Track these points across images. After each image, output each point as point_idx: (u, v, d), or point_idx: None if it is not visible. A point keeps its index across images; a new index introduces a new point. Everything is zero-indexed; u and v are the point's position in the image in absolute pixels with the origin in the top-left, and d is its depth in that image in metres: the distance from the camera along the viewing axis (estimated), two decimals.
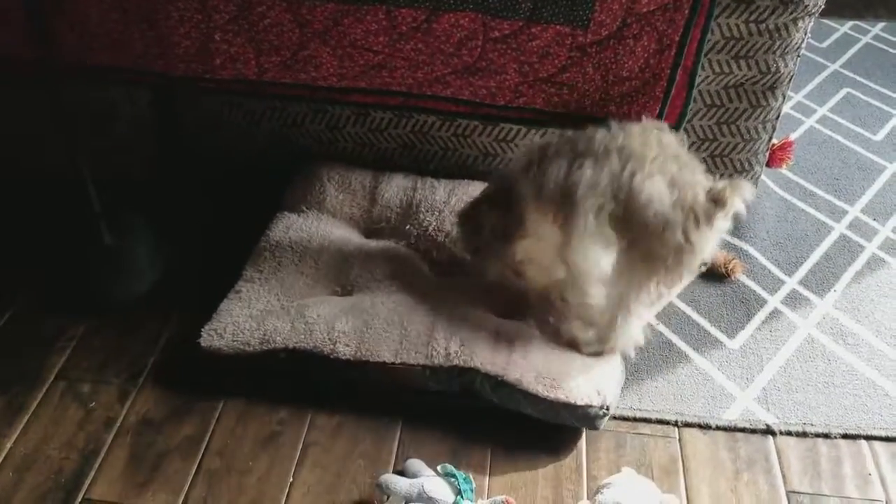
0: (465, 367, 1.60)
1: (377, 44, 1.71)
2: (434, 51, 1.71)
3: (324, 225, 1.94)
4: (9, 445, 1.59)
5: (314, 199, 1.99)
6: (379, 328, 1.66)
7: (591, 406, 1.55)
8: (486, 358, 1.61)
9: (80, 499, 1.51)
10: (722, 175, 2.01)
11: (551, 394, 1.56)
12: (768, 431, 1.65)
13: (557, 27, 1.66)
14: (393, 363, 1.62)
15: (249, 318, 1.70)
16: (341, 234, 1.93)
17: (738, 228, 2.10)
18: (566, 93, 1.74)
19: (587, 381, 1.58)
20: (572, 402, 1.55)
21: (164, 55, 1.79)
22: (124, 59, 1.81)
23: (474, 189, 2.02)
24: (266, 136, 2.09)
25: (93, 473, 1.55)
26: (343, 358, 1.63)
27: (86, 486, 1.53)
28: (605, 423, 1.59)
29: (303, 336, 1.65)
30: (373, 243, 1.91)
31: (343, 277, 1.83)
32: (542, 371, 1.59)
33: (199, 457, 1.58)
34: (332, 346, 1.64)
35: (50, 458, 1.57)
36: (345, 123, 2.06)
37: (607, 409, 1.56)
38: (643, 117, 1.58)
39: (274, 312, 1.71)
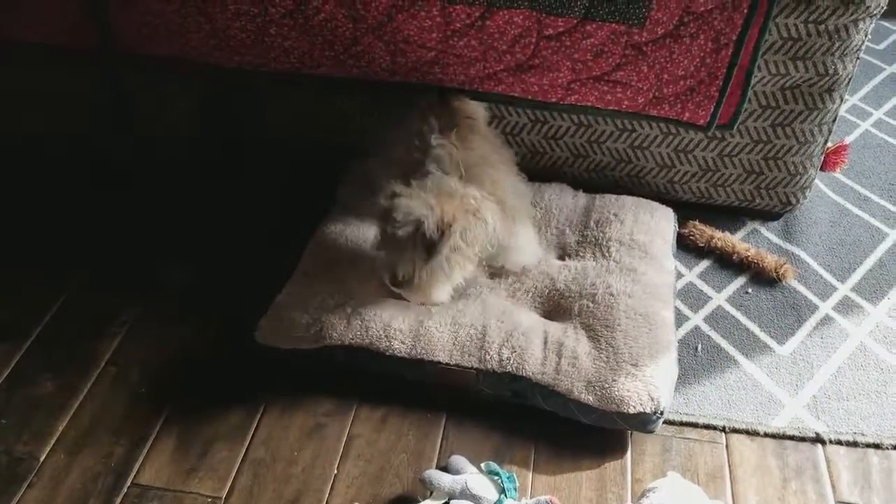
0: (517, 374, 1.60)
1: (430, 40, 1.71)
2: (487, 48, 1.71)
3: None
4: (61, 428, 1.63)
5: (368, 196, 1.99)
6: (432, 327, 1.67)
7: (644, 413, 1.54)
8: (536, 367, 1.60)
9: (128, 483, 1.53)
10: (776, 178, 2.00)
11: (603, 405, 1.55)
12: (818, 440, 1.62)
13: (613, 25, 1.64)
14: (448, 364, 1.63)
15: (305, 313, 1.69)
16: None
17: (790, 233, 2.06)
18: (619, 91, 1.73)
19: (639, 387, 1.56)
20: (624, 411, 1.54)
21: (220, 47, 1.81)
22: (181, 50, 1.84)
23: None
24: (321, 129, 2.10)
25: (141, 459, 1.58)
26: (399, 355, 1.64)
27: (135, 470, 1.56)
28: (659, 427, 1.58)
29: (359, 332, 1.66)
30: None
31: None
32: (592, 379, 1.58)
33: (246, 446, 1.60)
34: (388, 343, 1.64)
35: (100, 443, 1.60)
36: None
37: (661, 413, 1.55)
38: None
39: (329, 309, 1.70)
